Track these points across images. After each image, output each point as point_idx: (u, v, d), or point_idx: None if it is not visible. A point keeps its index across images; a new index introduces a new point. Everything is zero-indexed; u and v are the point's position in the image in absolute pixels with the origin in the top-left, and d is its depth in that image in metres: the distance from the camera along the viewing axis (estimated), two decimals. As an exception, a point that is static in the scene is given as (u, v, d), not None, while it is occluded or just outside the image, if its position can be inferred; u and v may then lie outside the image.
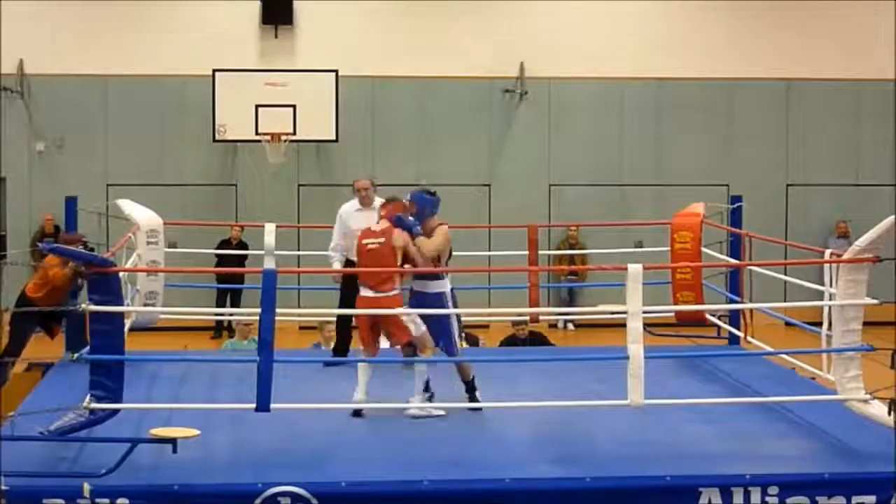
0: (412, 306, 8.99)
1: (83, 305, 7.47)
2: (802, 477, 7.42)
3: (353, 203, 10.58)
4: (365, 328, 8.97)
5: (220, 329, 18.74)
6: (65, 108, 19.89)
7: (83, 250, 9.73)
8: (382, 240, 8.92)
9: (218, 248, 18.45)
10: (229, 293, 18.08)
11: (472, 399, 9.02)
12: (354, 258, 9.49)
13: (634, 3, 20.59)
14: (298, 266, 14.47)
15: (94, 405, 7.43)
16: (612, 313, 10.12)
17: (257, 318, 7.62)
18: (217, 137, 19.34)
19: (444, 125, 20.49)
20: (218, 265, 17.12)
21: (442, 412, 8.76)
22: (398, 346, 9.26)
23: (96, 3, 19.92)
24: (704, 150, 20.76)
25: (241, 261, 17.01)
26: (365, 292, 8.85)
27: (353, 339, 10.44)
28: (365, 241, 8.98)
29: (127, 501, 7.01)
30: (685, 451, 8.03)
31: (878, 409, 7.85)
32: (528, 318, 13.15)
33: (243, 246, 18.52)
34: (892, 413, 7.65)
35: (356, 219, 10.26)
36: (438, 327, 8.99)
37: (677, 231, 11.18)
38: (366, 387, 8.79)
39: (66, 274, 10.61)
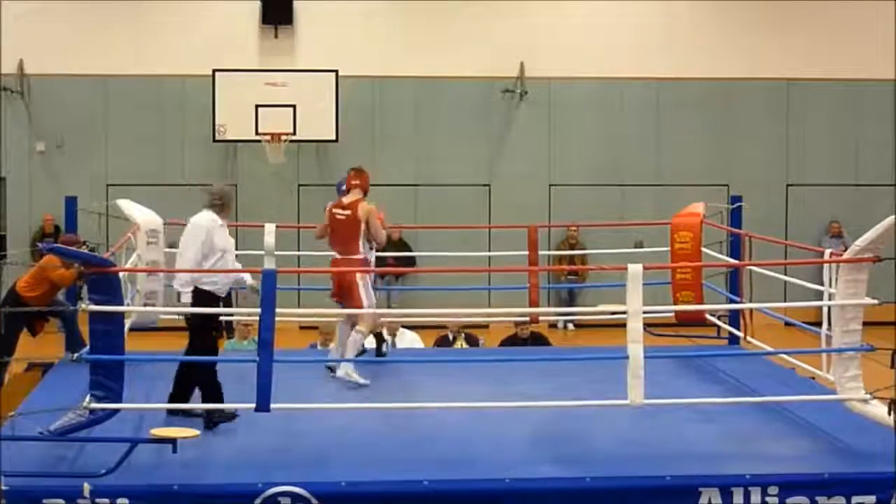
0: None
1: (83, 305, 7.47)
2: (802, 477, 7.43)
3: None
4: (336, 287, 10.15)
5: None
6: (65, 108, 19.87)
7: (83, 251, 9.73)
8: (349, 212, 10.06)
9: None
10: None
11: None
12: None
13: (634, 4, 20.57)
14: (298, 266, 14.46)
15: (94, 405, 7.43)
16: (612, 313, 10.13)
17: (257, 318, 7.63)
18: (217, 137, 19.33)
19: (444, 125, 20.47)
20: None
21: (366, 382, 9.59)
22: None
23: (96, 3, 19.91)
24: (704, 150, 20.74)
25: None
26: (333, 255, 10.21)
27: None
28: (335, 211, 10.17)
29: (127, 501, 7.02)
30: (685, 451, 8.03)
31: (878, 409, 7.85)
32: (529, 317, 13.13)
33: None
34: (892, 413, 7.64)
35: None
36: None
37: (677, 231, 11.16)
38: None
39: (71, 275, 10.60)
